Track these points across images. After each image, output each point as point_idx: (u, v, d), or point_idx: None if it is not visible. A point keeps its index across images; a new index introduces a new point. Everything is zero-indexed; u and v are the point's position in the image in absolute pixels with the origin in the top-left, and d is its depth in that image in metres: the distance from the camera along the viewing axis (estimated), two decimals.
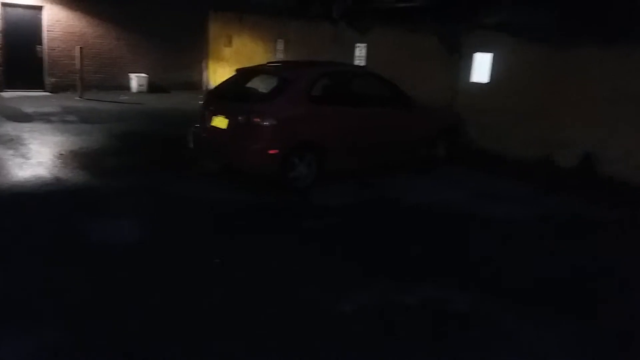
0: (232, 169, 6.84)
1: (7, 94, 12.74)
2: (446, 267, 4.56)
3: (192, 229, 5.15)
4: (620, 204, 6.46)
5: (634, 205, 6.40)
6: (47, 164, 6.88)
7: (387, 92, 7.44)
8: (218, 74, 15.15)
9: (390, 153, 7.40)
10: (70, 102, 12.34)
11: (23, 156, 7.18)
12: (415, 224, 5.62)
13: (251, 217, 5.58)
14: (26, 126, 9.20)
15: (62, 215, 5.21)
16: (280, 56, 12.87)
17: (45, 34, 13.61)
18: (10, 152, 7.36)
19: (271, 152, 6.03)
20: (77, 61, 12.84)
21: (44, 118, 10.08)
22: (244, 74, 7.26)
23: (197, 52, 16.07)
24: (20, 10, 13.23)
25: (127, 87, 14.77)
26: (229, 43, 15.21)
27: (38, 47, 13.60)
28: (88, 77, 13.61)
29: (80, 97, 12.91)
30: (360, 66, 10.25)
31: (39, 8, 13.44)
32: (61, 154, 7.44)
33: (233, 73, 7.32)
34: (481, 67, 8.53)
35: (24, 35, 13.35)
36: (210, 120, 6.55)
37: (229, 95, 6.84)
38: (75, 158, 7.33)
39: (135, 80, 14.68)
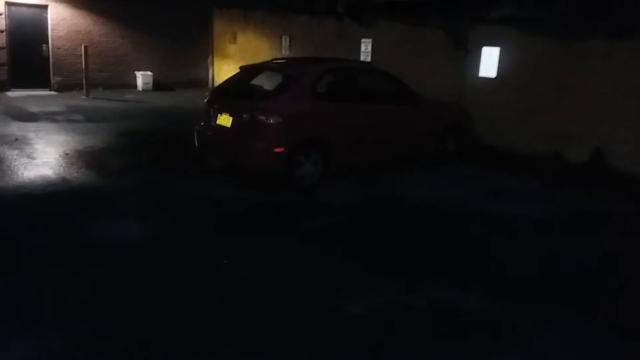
0: (237, 167, 6.79)
1: (13, 94, 12.77)
2: (454, 266, 4.49)
3: (197, 228, 5.12)
4: (631, 200, 6.35)
5: None
6: (52, 164, 6.87)
7: (392, 87, 7.36)
8: (223, 71, 15.11)
9: (397, 149, 7.33)
10: (76, 101, 12.34)
11: (28, 156, 7.18)
12: (422, 222, 5.55)
13: (256, 216, 5.54)
14: (32, 126, 9.20)
15: (67, 215, 5.20)
16: (285, 52, 12.81)
17: (50, 33, 13.62)
18: (16, 152, 7.36)
19: (276, 150, 5.98)
20: (83, 60, 12.84)
21: (49, 117, 10.08)
22: (248, 72, 7.21)
23: (202, 49, 16.04)
24: (24, 9, 13.25)
25: (132, 85, 14.76)
26: (234, 40, 15.16)
27: (43, 46, 13.62)
28: (93, 76, 13.61)
29: (85, 96, 12.92)
30: (366, 62, 10.16)
31: (44, 7, 13.44)
32: (67, 154, 7.42)
33: (237, 70, 7.27)
34: (489, 61, 8.42)
35: (29, 34, 13.37)
36: (214, 118, 6.50)
37: (233, 93, 6.79)
38: (81, 157, 7.32)
39: (141, 79, 14.67)
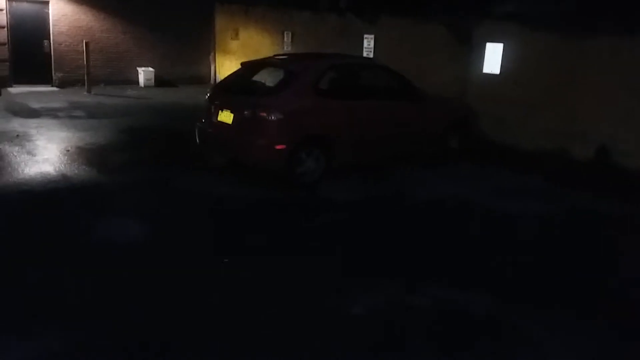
0: (239, 164, 6.75)
1: (15, 90, 12.74)
2: (455, 265, 4.45)
3: (198, 226, 5.09)
4: (636, 198, 6.27)
5: None
6: (53, 161, 6.84)
7: (395, 84, 7.30)
8: (225, 67, 15.05)
9: (400, 146, 7.27)
10: (78, 97, 12.30)
11: (29, 153, 7.15)
12: (425, 220, 5.51)
13: (258, 213, 5.51)
14: (33, 122, 9.17)
15: (67, 213, 5.17)
16: (287, 49, 12.75)
17: (52, 29, 13.56)
18: (17, 148, 7.34)
19: (278, 147, 5.94)
20: (84, 56, 12.79)
21: (51, 114, 10.05)
22: (249, 68, 7.15)
23: (204, 45, 15.97)
24: (26, 5, 13.20)
25: (134, 82, 14.71)
26: (236, 36, 15.09)
27: (45, 42, 13.56)
28: (95, 72, 13.56)
29: (87, 92, 12.87)
30: (368, 58, 10.09)
31: (45, 2, 13.39)
32: (67, 150, 7.40)
33: (239, 67, 7.22)
34: (493, 57, 8.34)
35: (31, 30, 13.32)
36: (215, 114, 6.46)
37: (235, 89, 6.74)
38: (82, 154, 7.29)
39: (143, 75, 14.62)
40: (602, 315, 3.74)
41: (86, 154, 7.28)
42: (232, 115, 6.21)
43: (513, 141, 8.12)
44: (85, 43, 12.72)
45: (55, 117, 9.78)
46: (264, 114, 5.91)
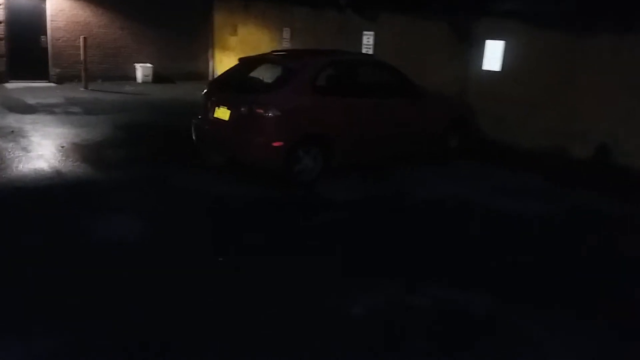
0: (236, 162, 6.67)
1: (11, 85, 12.64)
2: (454, 265, 4.39)
3: (196, 225, 5.02)
4: (636, 197, 6.22)
5: None
6: (47, 157, 6.76)
7: (395, 81, 7.21)
8: (224, 63, 14.95)
9: (400, 145, 7.18)
10: (75, 93, 12.22)
11: (24, 149, 7.07)
12: (424, 220, 5.44)
13: (256, 212, 5.44)
14: (28, 118, 9.09)
15: (61, 211, 5.10)
16: (286, 45, 12.66)
17: (49, 24, 13.48)
18: (11, 144, 7.25)
19: (275, 144, 5.85)
20: (81, 51, 12.69)
21: (47, 109, 9.96)
22: (247, 64, 7.06)
23: (203, 41, 15.88)
24: (23, 0, 13.09)
25: (132, 78, 14.63)
26: (235, 32, 15.00)
27: (42, 38, 13.48)
28: (93, 68, 13.48)
29: (84, 87, 12.78)
30: (368, 55, 10.00)
31: None
32: (62, 147, 7.31)
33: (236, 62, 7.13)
34: (493, 55, 8.27)
35: (28, 25, 13.23)
36: (212, 111, 6.37)
37: (232, 86, 6.65)
38: (77, 150, 7.21)
39: (141, 71, 14.53)
40: (602, 315, 3.71)
41: (82, 151, 7.20)
42: (229, 111, 6.13)
43: (513, 140, 8.05)
44: (83, 38, 12.62)
45: (52, 113, 9.70)
46: (261, 111, 5.83)
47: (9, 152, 6.88)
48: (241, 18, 14.66)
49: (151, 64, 14.71)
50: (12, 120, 8.83)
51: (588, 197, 6.30)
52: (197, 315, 3.45)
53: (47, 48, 13.55)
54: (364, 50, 10.44)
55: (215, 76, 15.07)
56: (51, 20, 13.46)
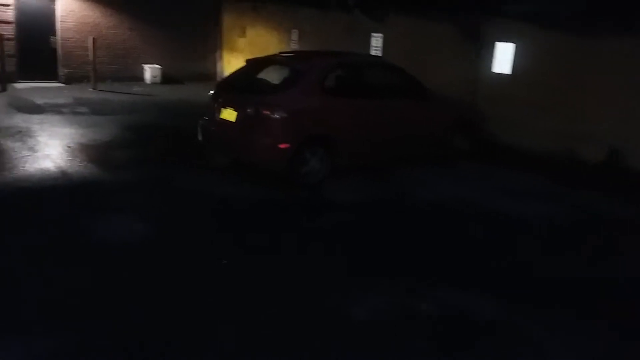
0: (242, 163, 6.63)
1: (20, 85, 12.70)
2: (458, 267, 4.33)
3: (200, 226, 4.99)
4: None
5: None
6: (54, 157, 6.76)
7: (403, 83, 7.15)
8: (232, 64, 14.93)
9: (407, 146, 7.11)
10: (83, 93, 12.25)
11: (31, 149, 7.07)
12: (429, 222, 5.38)
13: (260, 213, 5.40)
14: (36, 118, 9.11)
15: (65, 211, 5.08)
16: (294, 46, 12.63)
17: (59, 25, 13.53)
18: (18, 144, 7.26)
19: (282, 146, 5.81)
20: (90, 52, 12.73)
21: (55, 110, 9.99)
22: (254, 65, 7.03)
23: (211, 42, 15.89)
24: (33, 0, 13.16)
25: (140, 78, 14.66)
26: (243, 33, 15.00)
27: (52, 38, 13.54)
28: (102, 68, 13.51)
29: (93, 88, 12.81)
30: (375, 56, 9.95)
31: None
32: (69, 147, 7.31)
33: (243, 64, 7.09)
34: (503, 57, 8.18)
35: (38, 26, 13.29)
36: (219, 112, 6.34)
37: (239, 87, 6.62)
38: (84, 151, 7.20)
39: (149, 72, 14.56)
40: (602, 315, 3.70)
41: (88, 151, 7.20)
42: (235, 112, 6.10)
43: (523, 142, 7.95)
44: (93, 39, 12.65)
45: (59, 113, 9.72)
46: (268, 112, 5.79)
47: (16, 151, 6.88)
48: (249, 20, 14.66)
49: (160, 65, 14.73)
50: (20, 120, 8.85)
51: (594, 199, 6.24)
52: (198, 315, 3.43)
53: (56, 49, 13.60)
54: (372, 52, 10.37)
55: (224, 77, 15.08)
56: (61, 21, 13.52)
